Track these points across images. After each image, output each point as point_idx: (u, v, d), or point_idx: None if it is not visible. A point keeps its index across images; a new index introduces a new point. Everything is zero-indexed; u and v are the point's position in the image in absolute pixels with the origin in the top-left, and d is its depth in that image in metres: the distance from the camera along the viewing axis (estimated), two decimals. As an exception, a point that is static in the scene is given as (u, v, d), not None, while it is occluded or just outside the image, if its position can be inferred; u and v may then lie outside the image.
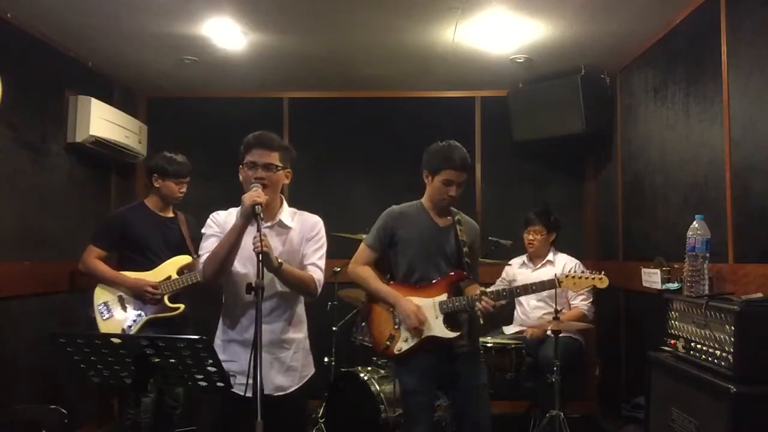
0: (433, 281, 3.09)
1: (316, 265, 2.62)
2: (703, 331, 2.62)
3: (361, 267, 3.21)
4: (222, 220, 2.62)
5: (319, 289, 2.62)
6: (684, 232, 3.04)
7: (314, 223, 2.71)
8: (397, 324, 3.10)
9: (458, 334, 3.03)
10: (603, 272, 3.17)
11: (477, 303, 2.97)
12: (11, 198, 3.83)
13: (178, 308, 3.68)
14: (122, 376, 2.25)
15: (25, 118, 3.96)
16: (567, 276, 3.15)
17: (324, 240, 2.69)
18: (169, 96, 5.48)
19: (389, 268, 3.26)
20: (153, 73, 4.97)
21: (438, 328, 3.04)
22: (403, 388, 3.14)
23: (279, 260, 2.44)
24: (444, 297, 3.06)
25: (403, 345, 3.07)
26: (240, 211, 2.45)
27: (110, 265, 3.75)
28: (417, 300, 3.06)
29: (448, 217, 3.18)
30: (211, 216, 2.66)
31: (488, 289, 3.04)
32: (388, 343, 3.10)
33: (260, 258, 2.23)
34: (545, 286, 3.17)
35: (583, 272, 3.18)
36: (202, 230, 2.64)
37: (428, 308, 3.05)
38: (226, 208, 2.69)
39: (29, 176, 4.01)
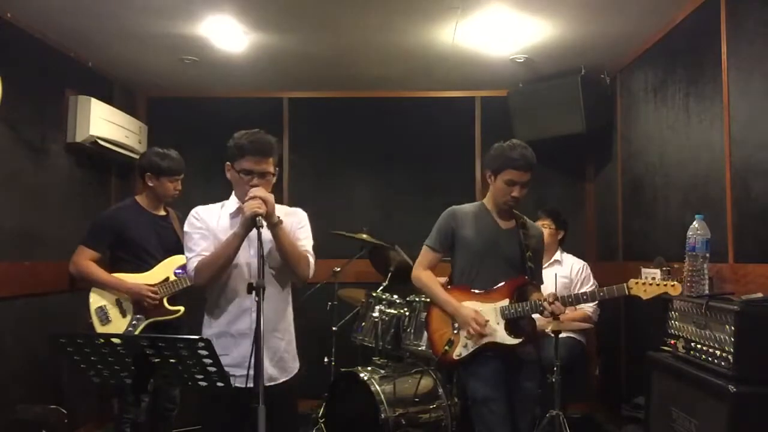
0: (495, 286, 2.98)
1: (308, 251, 2.63)
2: (703, 331, 2.62)
3: (422, 271, 3.09)
4: (204, 214, 2.62)
5: (311, 272, 2.62)
6: (684, 232, 3.04)
7: (301, 215, 2.73)
8: (455, 329, 2.99)
9: (521, 340, 2.91)
10: (677, 278, 2.89)
11: (546, 305, 2.85)
12: (11, 198, 3.82)
13: (178, 311, 3.61)
14: (122, 376, 2.25)
15: (25, 118, 3.96)
16: (637, 283, 2.87)
17: (310, 231, 2.71)
18: (169, 96, 5.47)
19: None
20: (153, 73, 4.97)
21: (500, 334, 2.91)
22: (473, 396, 2.98)
23: (279, 218, 2.48)
24: (506, 302, 2.94)
25: (462, 350, 2.96)
26: (240, 221, 2.46)
27: (101, 265, 3.64)
28: (477, 305, 2.95)
29: (512, 220, 3.07)
30: (192, 212, 2.63)
31: (552, 294, 2.94)
32: (447, 348, 2.98)
33: (262, 258, 2.24)
34: (614, 291, 2.93)
35: (653, 278, 2.90)
36: (185, 228, 2.62)
37: (489, 314, 2.93)
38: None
39: (29, 176, 4.00)
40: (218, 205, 2.66)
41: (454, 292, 3.04)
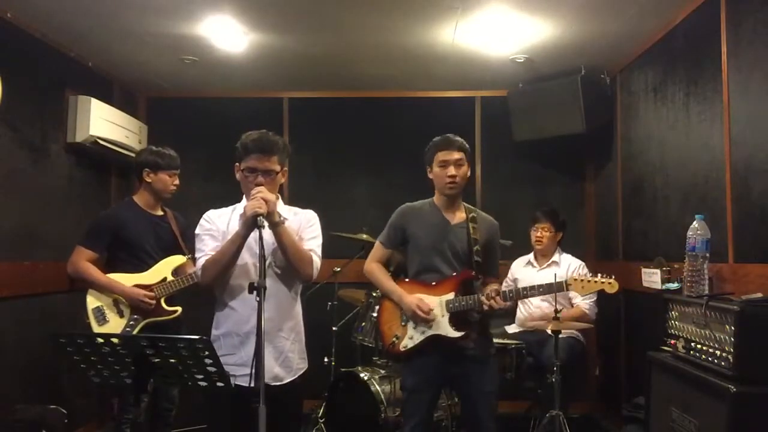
0: (442, 279, 3.06)
1: (313, 251, 2.64)
2: (703, 331, 2.62)
3: (373, 264, 3.22)
4: (215, 217, 2.66)
5: (315, 272, 2.63)
6: (684, 232, 3.05)
7: (310, 215, 2.74)
8: (404, 321, 3.09)
9: (463, 333, 2.98)
10: (613, 276, 3.04)
11: (485, 299, 2.92)
12: (11, 198, 3.82)
13: (176, 311, 3.61)
14: (122, 376, 2.25)
15: (25, 118, 3.96)
16: (576, 279, 3.07)
17: (320, 231, 2.71)
18: (169, 96, 5.47)
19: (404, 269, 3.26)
20: (153, 73, 4.97)
21: (443, 326, 3.00)
22: (403, 383, 3.16)
23: (282, 217, 2.51)
24: (451, 296, 3.02)
25: (408, 342, 3.05)
26: (241, 221, 2.48)
27: (98, 265, 3.65)
28: (424, 298, 3.03)
29: (462, 214, 3.14)
30: (204, 216, 2.68)
31: (499, 289, 3.02)
32: (394, 340, 3.09)
33: (262, 258, 2.24)
34: (553, 288, 3.08)
35: (592, 275, 3.08)
36: (196, 231, 2.65)
37: (435, 306, 3.01)
38: (221, 207, 2.71)
39: (29, 176, 4.00)
40: (230, 208, 2.69)
41: (403, 284, 3.13)
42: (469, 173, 3.14)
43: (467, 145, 3.14)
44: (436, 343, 3.02)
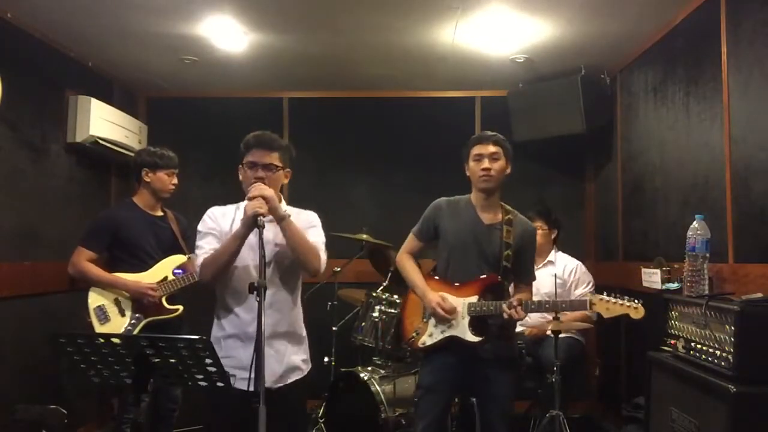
0: (467, 281, 2.98)
1: (318, 247, 2.65)
2: (703, 331, 2.63)
3: (404, 255, 3.18)
4: (219, 215, 2.66)
5: (323, 266, 2.64)
6: (684, 232, 3.05)
7: (312, 216, 2.76)
8: (426, 318, 3.04)
9: (480, 339, 2.89)
10: (641, 302, 2.84)
11: (507, 308, 2.82)
12: (11, 198, 3.83)
13: (177, 310, 3.62)
14: (122, 376, 2.25)
15: (25, 118, 3.96)
16: (601, 299, 2.89)
17: (322, 231, 2.73)
18: (169, 96, 5.48)
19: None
20: (153, 73, 4.97)
21: (461, 329, 2.93)
22: (419, 382, 3.12)
23: (286, 212, 2.52)
24: (474, 299, 2.93)
25: (427, 339, 3.01)
26: (242, 220, 2.48)
27: (98, 265, 3.65)
28: (450, 298, 2.95)
29: (498, 215, 3.04)
30: (207, 212, 2.68)
31: (521, 299, 2.90)
32: (414, 335, 3.05)
33: (263, 258, 2.24)
34: (575, 306, 3.01)
35: (618, 297, 2.90)
36: (198, 227, 2.65)
37: (457, 307, 2.95)
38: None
39: (29, 176, 4.01)
40: (233, 206, 2.69)
41: (430, 281, 3.08)
42: (508, 170, 3.05)
43: (506, 142, 3.07)
44: (453, 345, 2.96)
